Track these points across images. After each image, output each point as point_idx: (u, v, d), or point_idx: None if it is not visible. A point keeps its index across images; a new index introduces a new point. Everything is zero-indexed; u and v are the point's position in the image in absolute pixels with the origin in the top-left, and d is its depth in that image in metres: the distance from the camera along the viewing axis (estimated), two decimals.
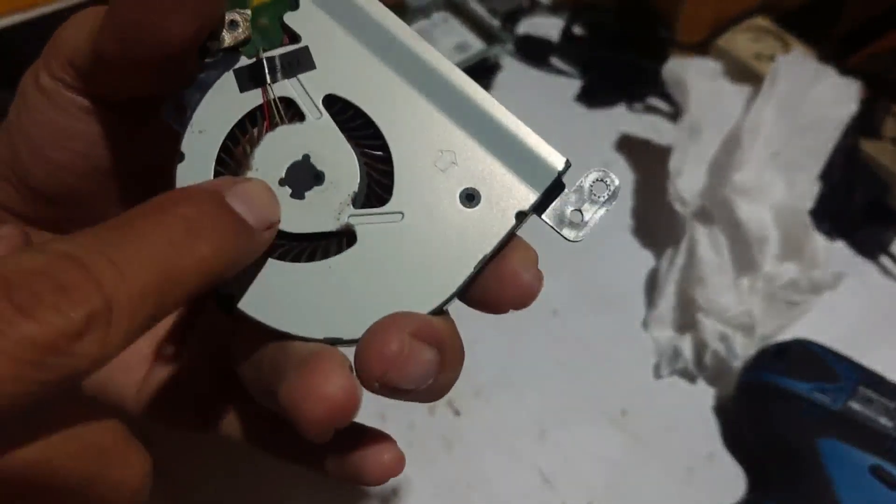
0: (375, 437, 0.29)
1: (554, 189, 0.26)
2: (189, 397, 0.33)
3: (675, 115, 0.68)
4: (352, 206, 0.26)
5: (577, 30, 0.76)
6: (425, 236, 0.26)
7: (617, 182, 0.26)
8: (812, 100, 0.59)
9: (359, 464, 0.29)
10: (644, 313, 0.60)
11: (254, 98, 0.26)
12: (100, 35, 0.24)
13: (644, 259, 0.63)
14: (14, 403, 0.17)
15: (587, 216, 0.26)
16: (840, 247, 0.64)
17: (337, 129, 0.26)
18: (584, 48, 0.74)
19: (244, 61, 0.26)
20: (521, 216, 0.26)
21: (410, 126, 0.26)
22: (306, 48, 0.26)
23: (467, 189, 0.26)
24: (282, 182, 0.26)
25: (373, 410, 0.51)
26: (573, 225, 0.26)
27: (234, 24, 0.25)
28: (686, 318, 0.57)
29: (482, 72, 0.69)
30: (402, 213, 0.26)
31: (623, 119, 0.72)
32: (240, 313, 0.26)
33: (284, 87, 0.26)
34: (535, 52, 0.74)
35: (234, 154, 0.26)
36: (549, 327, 0.58)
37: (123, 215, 0.21)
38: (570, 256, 0.56)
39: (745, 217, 0.55)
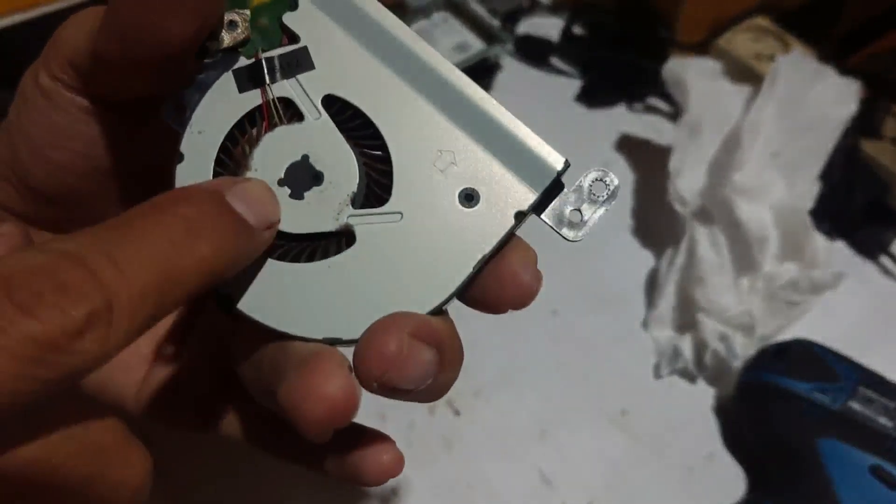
0: (375, 437, 0.29)
1: (553, 189, 0.26)
2: (189, 397, 0.33)
3: (675, 115, 0.68)
4: (351, 207, 0.26)
5: (577, 30, 0.76)
6: (424, 236, 0.26)
7: (616, 182, 0.26)
8: (812, 100, 0.59)
9: (358, 464, 0.29)
10: (644, 313, 0.60)
11: (253, 98, 0.26)
12: (99, 35, 0.24)
13: (644, 259, 0.63)
14: (14, 401, 0.17)
15: (586, 216, 0.26)
16: (840, 247, 0.64)
17: (336, 129, 0.26)
18: (584, 48, 0.74)
19: (243, 62, 0.26)
20: (520, 216, 0.26)
21: (409, 126, 0.26)
22: (305, 48, 0.26)
23: (466, 189, 0.26)
24: (281, 182, 0.26)
25: (373, 410, 0.51)
26: (572, 225, 0.26)
27: (233, 25, 0.25)
28: (686, 318, 0.57)
29: (482, 72, 0.69)
30: (401, 213, 0.26)
31: (623, 119, 0.72)
32: (239, 313, 0.26)
33: (283, 88, 0.26)
34: (535, 52, 0.74)
35: (233, 154, 0.26)
36: (549, 327, 0.58)
37: (124, 215, 0.21)
38: (570, 256, 0.56)
39: (745, 217, 0.55)
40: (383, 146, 0.26)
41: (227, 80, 0.26)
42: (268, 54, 0.26)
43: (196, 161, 0.26)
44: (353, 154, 0.26)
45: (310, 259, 0.26)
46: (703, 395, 0.56)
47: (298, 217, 0.25)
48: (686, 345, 0.56)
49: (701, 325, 0.55)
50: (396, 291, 0.26)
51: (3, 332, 0.17)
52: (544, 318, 0.59)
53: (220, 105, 0.26)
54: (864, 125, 0.62)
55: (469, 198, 0.26)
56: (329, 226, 0.26)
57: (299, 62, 0.26)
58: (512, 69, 0.74)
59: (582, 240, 0.26)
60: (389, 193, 0.26)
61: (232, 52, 0.26)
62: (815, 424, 0.49)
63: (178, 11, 0.23)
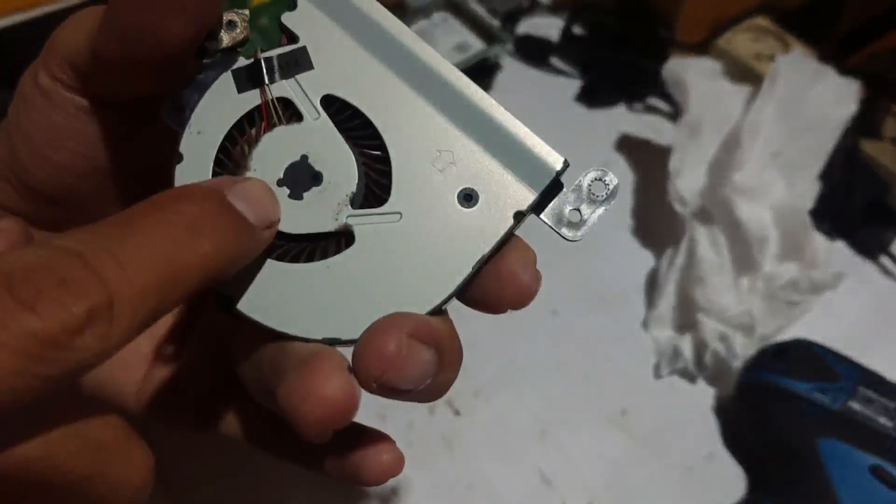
0: (375, 437, 0.29)
1: (552, 189, 0.26)
2: (189, 397, 0.33)
3: (675, 115, 0.68)
4: (350, 207, 0.26)
5: (577, 30, 0.76)
6: (423, 236, 0.26)
7: (615, 181, 0.26)
8: (812, 100, 0.59)
9: (358, 464, 0.29)
10: (644, 313, 0.60)
11: (252, 99, 0.26)
12: (98, 35, 0.24)
13: (644, 259, 0.63)
14: (15, 398, 0.17)
15: (586, 215, 0.26)
16: (840, 247, 0.64)
17: (335, 129, 0.26)
18: (584, 48, 0.74)
19: (242, 62, 0.26)
20: (519, 216, 0.26)
21: (408, 126, 0.26)
22: (304, 48, 0.26)
23: (465, 189, 0.26)
24: (280, 183, 0.25)
25: (372, 410, 0.51)
26: (572, 224, 0.26)
27: (231, 25, 0.25)
28: (686, 318, 0.57)
29: (482, 72, 0.69)
30: (400, 213, 0.26)
31: (623, 119, 0.72)
32: (239, 314, 0.26)
33: (282, 88, 0.26)
34: (535, 52, 0.74)
35: (232, 155, 0.26)
36: (549, 327, 0.58)
37: (125, 212, 0.21)
38: (570, 256, 0.56)
39: (745, 217, 0.55)
40: (382, 146, 0.26)
41: (226, 81, 0.26)
42: (267, 54, 0.26)
43: (195, 161, 0.26)
44: (352, 154, 0.26)
45: (309, 259, 0.26)
46: (703, 395, 0.56)
47: (298, 217, 0.25)
48: (686, 345, 0.56)
49: (701, 325, 0.55)
50: (395, 291, 0.26)
51: (4, 328, 0.17)
52: (544, 318, 0.59)
53: (219, 105, 0.26)
54: (864, 125, 0.62)
55: (468, 198, 0.26)
56: (328, 226, 0.26)
57: (298, 62, 0.26)
58: (512, 69, 0.74)
59: (581, 239, 0.26)
60: (388, 193, 0.26)
61: (231, 52, 0.26)
62: (815, 424, 0.49)
63: (178, 11, 0.23)
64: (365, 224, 0.26)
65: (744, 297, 0.56)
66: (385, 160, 0.26)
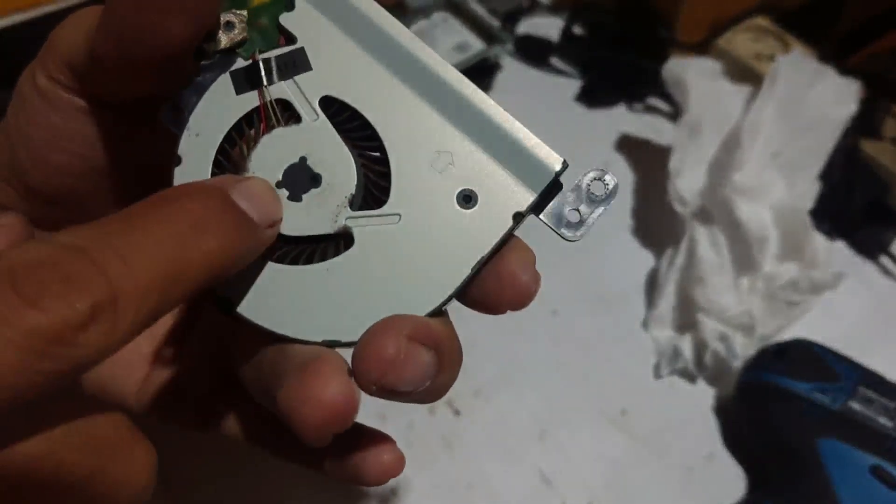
0: (375, 437, 0.29)
1: (552, 189, 0.26)
2: (190, 397, 0.33)
3: (675, 115, 0.68)
4: (349, 209, 0.26)
5: (577, 30, 0.76)
6: (422, 238, 0.26)
7: (615, 181, 0.26)
8: (812, 100, 0.59)
9: (359, 464, 0.29)
10: (644, 313, 0.60)
11: (250, 100, 0.26)
12: (96, 36, 0.24)
13: (644, 259, 0.63)
14: (18, 394, 0.17)
15: (585, 216, 0.26)
16: (840, 247, 0.64)
17: (334, 130, 0.26)
18: (584, 48, 0.75)
19: (240, 63, 0.26)
20: (518, 217, 0.26)
21: (407, 127, 0.26)
22: (302, 49, 0.26)
23: (464, 190, 0.26)
24: (279, 184, 0.25)
25: (372, 410, 0.51)
26: (571, 224, 0.26)
27: (230, 26, 0.25)
28: (686, 318, 0.57)
29: (482, 72, 0.69)
30: (399, 214, 0.26)
31: (623, 119, 0.72)
32: (238, 316, 0.26)
33: (281, 89, 0.26)
34: (535, 52, 0.75)
35: (231, 157, 0.26)
36: (549, 327, 0.58)
37: (128, 209, 0.21)
38: (570, 256, 0.56)
39: (745, 217, 0.55)
40: (381, 147, 0.26)
41: (224, 82, 0.26)
42: (265, 55, 0.26)
43: (194, 164, 0.25)
44: (351, 156, 0.26)
45: (308, 261, 0.26)
46: (703, 395, 0.56)
47: (297, 219, 0.25)
48: (686, 345, 0.56)
49: (701, 325, 0.55)
50: (395, 293, 0.25)
51: (7, 323, 0.17)
52: (544, 318, 0.59)
53: (218, 107, 0.26)
54: (864, 125, 0.62)
55: (467, 199, 0.26)
56: (327, 228, 0.26)
57: (296, 63, 0.26)
58: (512, 69, 0.74)
59: (581, 239, 0.26)
60: (387, 195, 0.26)
61: (229, 53, 0.26)
62: (815, 424, 0.49)
63: (176, 12, 0.23)
64: (364, 226, 0.26)
65: (744, 297, 0.56)
66: (384, 161, 0.26)
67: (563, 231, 0.26)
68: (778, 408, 0.51)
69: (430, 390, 0.25)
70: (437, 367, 0.24)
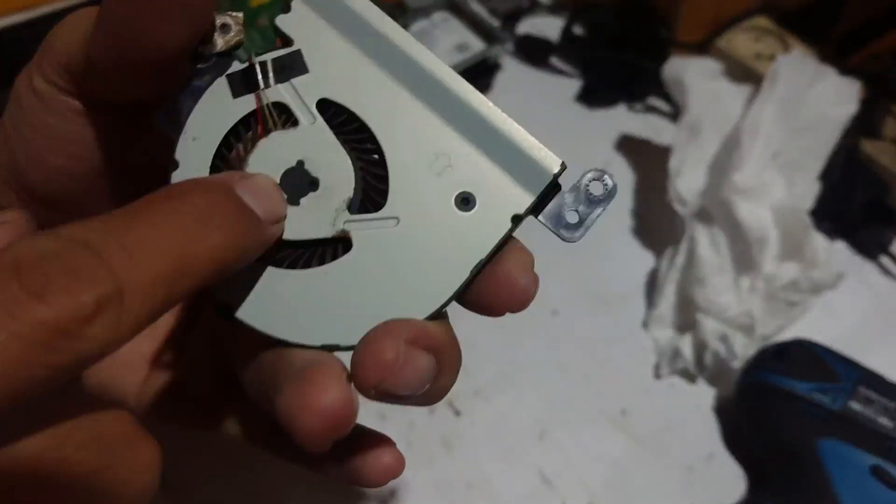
0: (375, 439, 0.29)
1: (550, 191, 0.26)
2: (190, 398, 0.33)
3: (675, 115, 0.68)
4: (347, 212, 0.25)
5: (577, 30, 0.76)
6: (421, 241, 0.25)
7: (613, 182, 0.26)
8: (812, 100, 0.59)
9: (359, 466, 0.29)
10: (644, 313, 0.60)
11: (247, 103, 0.25)
12: (91, 40, 0.24)
13: (644, 259, 0.63)
14: (24, 388, 0.17)
15: (584, 216, 0.26)
16: (840, 247, 0.64)
17: (331, 133, 0.26)
18: (584, 48, 0.75)
19: (236, 66, 0.26)
20: (516, 219, 0.26)
21: (405, 129, 0.26)
22: (299, 52, 0.26)
23: (463, 193, 0.26)
24: None
25: (373, 410, 0.51)
26: (570, 226, 0.26)
27: (225, 28, 0.25)
28: (686, 318, 0.57)
29: (482, 72, 0.69)
30: (397, 218, 0.26)
31: (623, 119, 0.72)
32: (237, 321, 0.25)
33: (278, 92, 0.26)
34: (535, 52, 0.75)
35: (228, 161, 0.25)
36: (549, 327, 0.58)
37: (134, 203, 0.21)
38: (570, 256, 0.56)
39: (745, 217, 0.55)
40: (379, 150, 0.26)
41: (220, 86, 0.25)
42: (261, 58, 0.26)
43: (191, 168, 0.25)
44: (348, 159, 0.26)
45: (307, 265, 0.26)
46: (703, 395, 0.56)
47: (295, 223, 0.25)
48: (686, 345, 0.56)
49: (701, 325, 0.55)
50: (393, 297, 0.25)
51: (13, 316, 0.17)
52: (544, 319, 0.59)
53: (215, 111, 0.25)
54: (864, 125, 0.62)
55: (465, 201, 0.26)
56: (326, 232, 0.25)
57: (293, 66, 0.26)
58: (512, 69, 0.74)
59: (580, 240, 0.26)
60: (386, 198, 0.26)
61: (225, 55, 0.25)
62: (815, 424, 0.49)
63: (171, 16, 0.23)
64: (362, 229, 0.26)
65: (744, 297, 0.56)
66: (382, 164, 0.26)
67: (562, 232, 0.26)
68: (778, 408, 0.51)
69: (429, 394, 0.25)
70: (436, 370, 0.24)
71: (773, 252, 0.56)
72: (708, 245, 0.57)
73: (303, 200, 0.25)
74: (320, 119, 0.26)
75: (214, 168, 0.25)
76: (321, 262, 0.26)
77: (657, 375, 0.57)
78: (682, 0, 0.70)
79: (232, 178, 0.23)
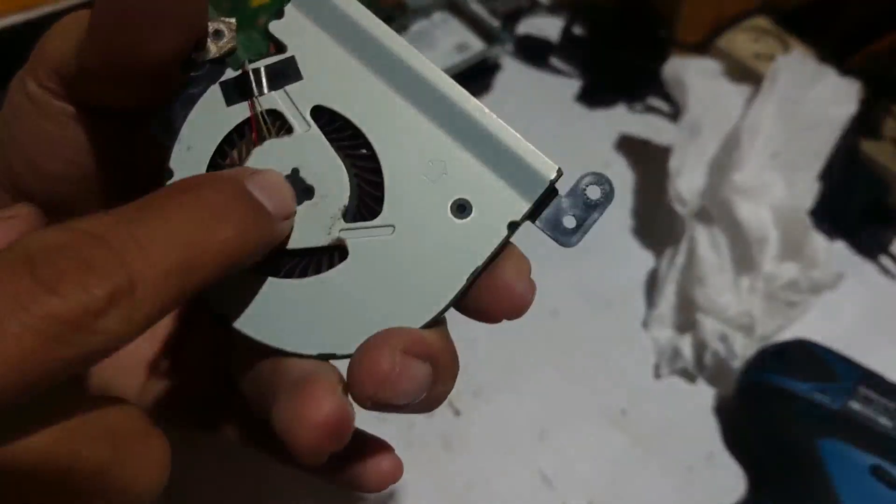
0: (374, 445, 0.29)
1: (547, 196, 0.26)
2: (190, 400, 0.33)
3: (675, 115, 0.68)
4: (343, 220, 0.25)
5: (577, 30, 0.76)
6: (417, 249, 0.25)
7: (611, 185, 0.26)
8: (812, 100, 0.59)
9: (358, 472, 0.29)
10: (644, 313, 0.60)
11: (241, 111, 0.25)
12: (83, 48, 0.24)
13: (644, 259, 0.63)
14: (36, 380, 0.17)
15: (581, 221, 0.26)
16: (840, 247, 0.64)
17: (326, 141, 0.25)
18: (584, 48, 0.74)
19: (230, 73, 0.25)
20: (513, 226, 0.25)
21: (400, 136, 0.26)
22: (292, 58, 0.26)
23: (458, 199, 0.26)
24: None
25: (372, 411, 0.51)
26: (568, 231, 0.26)
27: (218, 34, 0.25)
28: (686, 318, 0.57)
29: (482, 72, 0.69)
30: (393, 225, 0.25)
31: (623, 119, 0.72)
32: (234, 330, 0.25)
33: (271, 100, 0.25)
34: (535, 52, 0.74)
35: (223, 169, 0.25)
36: (549, 327, 0.58)
37: (146, 197, 0.21)
38: (570, 256, 0.56)
39: (745, 217, 0.55)
40: (374, 157, 0.26)
41: (214, 93, 0.25)
42: (254, 65, 0.25)
43: (186, 177, 0.25)
44: (343, 166, 0.25)
45: (303, 274, 0.26)
46: (703, 395, 0.56)
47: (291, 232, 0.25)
48: (686, 345, 0.56)
49: (701, 325, 0.55)
50: (390, 305, 0.25)
51: (25, 309, 0.17)
52: (544, 319, 0.59)
53: (208, 119, 0.25)
54: (864, 125, 0.62)
55: (461, 208, 0.26)
56: (321, 240, 0.25)
57: (287, 73, 0.25)
58: (512, 69, 0.74)
59: (577, 244, 0.26)
60: (381, 205, 0.26)
61: (218, 62, 0.25)
62: (815, 424, 0.49)
63: (163, 23, 0.23)
64: (358, 237, 0.25)
65: (744, 297, 0.56)
66: (377, 171, 0.26)
67: (560, 237, 0.26)
68: (778, 408, 0.51)
69: (426, 402, 0.25)
70: (433, 379, 0.24)
71: (773, 252, 0.56)
72: (708, 245, 0.57)
73: (298, 209, 0.25)
74: (315, 126, 0.26)
75: None
76: (317, 271, 0.26)
77: (657, 375, 0.57)
78: (682, 0, 0.70)
79: (242, 173, 0.23)
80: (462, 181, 0.26)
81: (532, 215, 0.26)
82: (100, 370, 0.30)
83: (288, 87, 0.26)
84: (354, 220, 0.26)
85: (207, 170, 0.25)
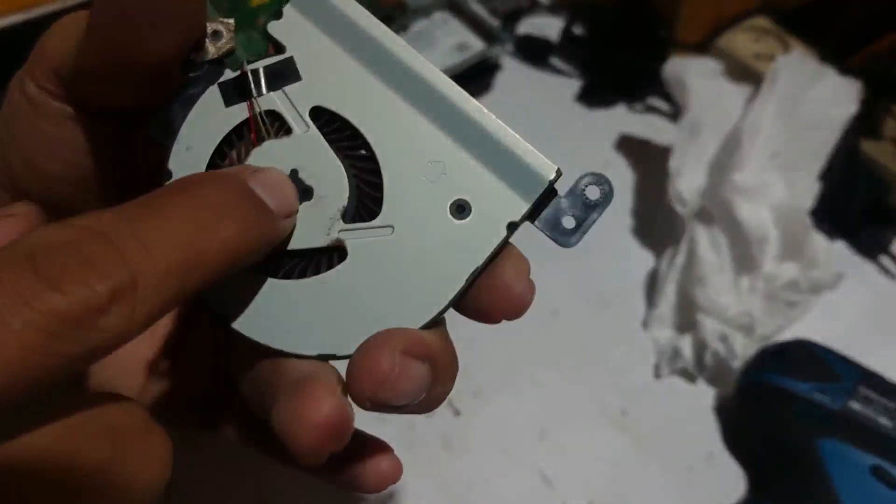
0: (373, 445, 0.29)
1: (546, 197, 0.26)
2: (190, 400, 0.33)
3: (675, 115, 0.68)
4: (342, 221, 0.25)
5: (577, 30, 0.76)
6: (416, 250, 0.25)
7: (610, 186, 0.26)
8: (812, 100, 0.59)
9: (357, 473, 0.29)
10: (644, 313, 0.60)
11: (240, 112, 0.25)
12: (81, 49, 0.24)
13: (644, 259, 0.63)
14: (38, 377, 0.17)
15: (581, 221, 0.26)
16: (840, 247, 0.64)
17: (324, 142, 0.25)
18: (584, 48, 0.75)
19: (228, 74, 0.25)
20: (512, 227, 0.25)
21: (399, 137, 0.25)
22: (291, 59, 0.25)
23: (457, 200, 0.25)
24: None
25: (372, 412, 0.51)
26: (567, 231, 0.26)
27: (217, 35, 0.25)
28: (686, 318, 0.57)
29: (482, 72, 0.69)
30: (392, 226, 0.25)
31: (623, 119, 0.72)
32: (233, 331, 0.25)
33: (270, 100, 0.25)
34: (535, 52, 0.75)
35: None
36: (549, 327, 0.58)
37: (148, 195, 0.21)
38: (570, 256, 0.56)
39: (745, 217, 0.55)
40: (373, 158, 0.26)
41: (212, 94, 0.25)
42: (253, 66, 0.25)
43: None
44: (342, 167, 0.25)
45: (302, 275, 0.26)
46: (703, 395, 0.56)
47: None
48: (686, 345, 0.56)
49: (701, 325, 0.55)
50: (389, 306, 0.25)
51: (28, 305, 0.17)
52: (544, 319, 0.59)
53: (207, 120, 0.25)
54: (864, 125, 0.62)
55: (460, 209, 0.25)
56: (320, 241, 0.25)
57: (285, 73, 0.25)
58: (512, 69, 0.74)
59: (576, 245, 0.26)
60: (380, 206, 0.26)
61: (217, 63, 0.25)
62: (816, 424, 0.49)
63: (162, 24, 0.23)
64: (357, 238, 0.25)
65: (744, 297, 0.56)
66: (376, 172, 0.26)
67: (559, 237, 0.26)
68: (778, 408, 0.51)
69: (425, 402, 0.25)
70: (432, 379, 0.24)
71: (773, 252, 0.56)
72: (708, 245, 0.57)
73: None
74: (313, 127, 0.25)
75: None
76: (316, 272, 0.26)
77: (657, 375, 0.57)
78: (682, 0, 0.70)
79: (245, 171, 0.23)
80: (461, 182, 0.26)
81: (531, 216, 0.26)
82: (99, 370, 0.30)
83: (287, 88, 0.25)
84: (353, 221, 0.26)
85: (206, 170, 0.25)
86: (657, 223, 0.63)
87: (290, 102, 0.25)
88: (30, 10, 0.55)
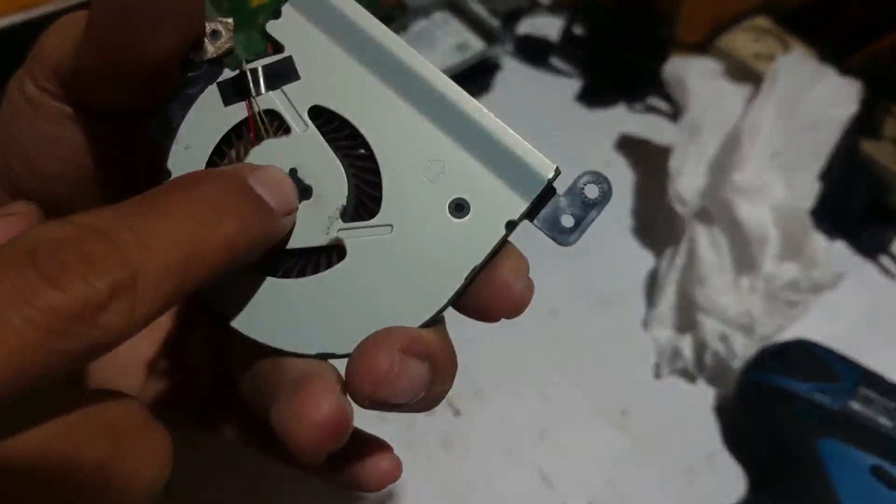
0: (373, 444, 0.29)
1: (545, 196, 0.26)
2: (190, 400, 0.33)
3: (675, 115, 0.68)
4: (341, 220, 0.25)
5: (577, 30, 0.76)
6: (415, 248, 0.25)
7: (609, 184, 0.26)
8: (812, 100, 0.59)
9: (356, 472, 0.29)
10: (644, 313, 0.60)
11: (239, 111, 0.25)
12: (81, 49, 0.24)
13: (644, 259, 0.63)
14: (37, 373, 0.17)
15: (579, 220, 0.26)
16: (840, 247, 0.64)
17: (323, 141, 0.25)
18: (584, 48, 0.75)
19: (227, 73, 0.25)
20: (510, 225, 0.26)
21: (398, 136, 0.26)
22: (290, 58, 0.26)
23: (456, 199, 0.26)
24: None
25: (372, 411, 0.51)
26: (566, 230, 0.26)
27: (216, 34, 0.25)
28: (686, 318, 0.57)
29: (482, 72, 0.69)
30: (391, 225, 0.25)
31: (623, 119, 0.72)
32: (232, 330, 0.26)
33: (269, 100, 0.25)
34: (535, 52, 0.75)
35: None
36: (549, 327, 0.58)
37: (148, 192, 0.21)
38: (570, 257, 0.56)
39: (745, 217, 0.55)
40: (371, 157, 0.26)
41: (211, 94, 0.25)
42: (252, 65, 0.25)
43: None
44: (341, 166, 0.25)
45: (301, 274, 0.26)
46: (703, 395, 0.56)
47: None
48: (686, 345, 0.56)
49: (701, 325, 0.55)
50: (388, 305, 0.25)
51: (27, 302, 0.17)
52: (544, 319, 0.59)
53: (206, 119, 0.25)
54: (864, 125, 0.62)
55: (459, 208, 0.26)
56: (320, 240, 0.25)
57: (284, 73, 0.25)
58: (512, 69, 0.74)
59: (575, 244, 0.26)
60: (379, 205, 0.26)
61: (216, 63, 0.25)
62: (816, 424, 0.49)
63: (161, 24, 0.23)
64: (356, 237, 0.25)
65: (744, 297, 0.56)
66: (375, 171, 0.26)
67: (558, 236, 0.26)
68: (778, 408, 0.51)
69: (424, 401, 0.25)
70: (431, 378, 0.24)
71: (773, 252, 0.56)
72: (708, 245, 0.57)
73: None
74: (312, 126, 0.26)
75: None
76: (315, 271, 0.26)
77: (657, 375, 0.57)
78: (682, 0, 0.70)
79: (244, 168, 0.24)
80: (460, 180, 0.26)
81: (530, 214, 0.26)
82: (99, 370, 0.30)
83: (286, 87, 0.26)
84: (353, 220, 0.26)
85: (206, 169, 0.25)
86: (657, 223, 0.63)
87: (288, 102, 0.26)
88: (30, 10, 0.55)
